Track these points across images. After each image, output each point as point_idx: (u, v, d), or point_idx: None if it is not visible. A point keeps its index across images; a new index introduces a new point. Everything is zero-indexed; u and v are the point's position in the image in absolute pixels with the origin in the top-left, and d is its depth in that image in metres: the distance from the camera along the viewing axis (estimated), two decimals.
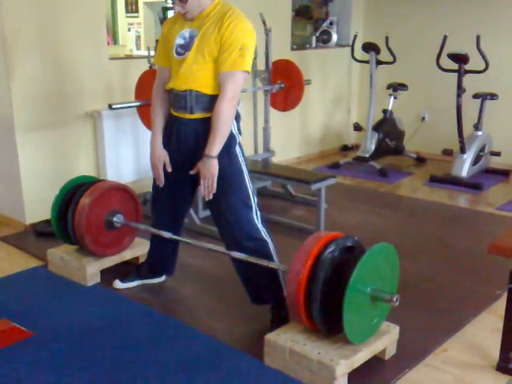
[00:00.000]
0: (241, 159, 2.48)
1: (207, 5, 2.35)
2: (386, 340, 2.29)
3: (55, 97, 3.72)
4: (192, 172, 2.42)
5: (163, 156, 2.54)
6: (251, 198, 2.48)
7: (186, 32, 2.39)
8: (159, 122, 2.55)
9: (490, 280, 3.01)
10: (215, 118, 2.31)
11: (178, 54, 2.41)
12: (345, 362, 2.08)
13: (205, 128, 2.39)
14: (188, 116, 2.43)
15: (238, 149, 2.46)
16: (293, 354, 2.16)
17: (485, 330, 2.59)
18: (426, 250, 3.49)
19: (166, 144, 2.56)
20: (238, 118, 2.46)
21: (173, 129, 2.52)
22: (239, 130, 2.49)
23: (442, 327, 2.58)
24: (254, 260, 2.42)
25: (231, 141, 2.41)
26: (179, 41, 2.41)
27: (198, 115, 2.41)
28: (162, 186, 2.59)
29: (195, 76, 2.37)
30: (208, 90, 2.37)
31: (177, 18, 2.49)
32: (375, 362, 2.27)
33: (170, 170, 2.55)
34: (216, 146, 2.33)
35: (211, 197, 2.41)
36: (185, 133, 2.47)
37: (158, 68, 2.59)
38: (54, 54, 3.67)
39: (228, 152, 2.41)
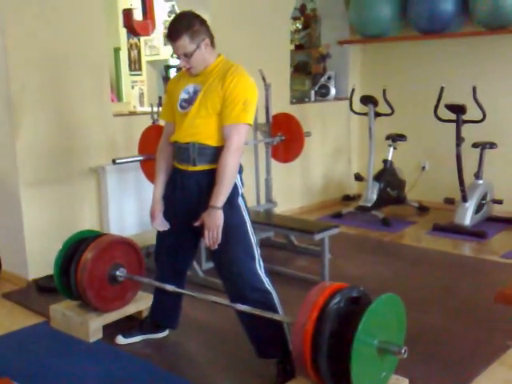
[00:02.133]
0: (243, 210, 2.50)
1: (211, 61, 2.45)
2: None
3: (60, 153, 3.78)
4: (196, 224, 2.42)
5: (158, 208, 2.62)
6: (254, 248, 2.48)
7: (190, 87, 2.47)
8: (161, 175, 2.63)
9: (498, 330, 2.96)
10: (221, 170, 2.35)
11: (182, 107, 2.48)
12: None
13: (208, 180, 2.42)
14: (191, 168, 2.47)
15: (240, 200, 2.49)
16: None
17: (496, 381, 2.52)
18: (433, 299, 3.45)
19: (170, 196, 2.60)
20: (240, 169, 2.49)
21: (176, 181, 2.55)
22: (242, 181, 2.52)
23: (452, 380, 2.52)
24: (259, 312, 2.39)
25: (234, 192, 2.43)
26: (183, 95, 2.49)
27: (200, 167, 2.45)
28: (161, 230, 2.65)
29: (198, 128, 2.43)
30: (211, 141, 2.42)
31: (181, 76, 2.58)
32: None
33: (165, 226, 2.63)
34: (221, 197, 2.35)
35: (216, 247, 2.41)
36: (188, 185, 2.50)
37: (165, 123, 2.67)
38: (59, 112, 3.75)
39: (230, 203, 2.42)
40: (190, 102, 2.46)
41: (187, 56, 2.39)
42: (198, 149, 2.43)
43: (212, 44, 2.45)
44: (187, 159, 2.47)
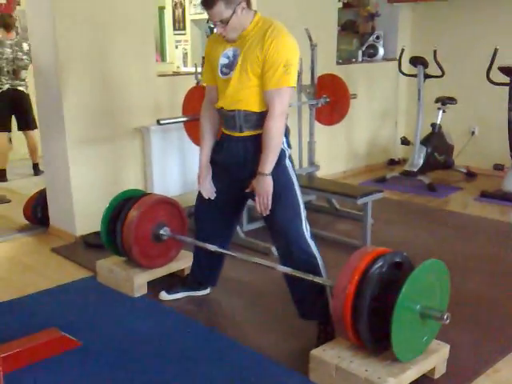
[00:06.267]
0: (291, 172, 2.50)
1: (248, 24, 2.37)
2: (436, 359, 2.22)
3: (105, 112, 3.83)
4: (247, 190, 2.46)
5: (205, 173, 2.63)
6: (301, 210, 2.49)
7: (229, 51, 2.43)
8: (207, 140, 2.64)
9: None
10: (266, 136, 2.35)
11: (223, 73, 2.45)
12: (393, 381, 2.03)
13: (254, 145, 2.43)
14: (237, 134, 2.48)
15: (288, 161, 2.49)
16: (339, 370, 2.12)
17: None
18: (477, 266, 3.38)
19: (217, 161, 2.62)
20: (287, 132, 2.48)
21: (223, 146, 2.57)
22: (289, 144, 2.51)
23: (495, 347, 2.49)
24: (300, 274, 2.41)
25: (281, 154, 2.43)
26: (223, 60, 2.45)
27: (247, 133, 2.45)
28: (209, 197, 2.66)
29: (242, 95, 2.41)
30: (255, 107, 2.40)
31: (219, 38, 2.53)
32: (424, 381, 2.20)
33: (211, 194, 2.65)
34: (269, 164, 2.36)
35: (268, 213, 2.44)
36: (235, 150, 2.51)
37: (207, 86, 2.65)
38: (105, 72, 3.78)
39: (278, 164, 2.42)
40: (230, 67, 2.42)
41: (223, 22, 2.33)
42: (243, 116, 2.43)
43: (248, 5, 2.36)
44: (233, 126, 2.47)
